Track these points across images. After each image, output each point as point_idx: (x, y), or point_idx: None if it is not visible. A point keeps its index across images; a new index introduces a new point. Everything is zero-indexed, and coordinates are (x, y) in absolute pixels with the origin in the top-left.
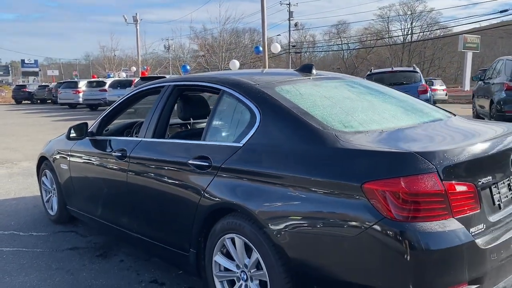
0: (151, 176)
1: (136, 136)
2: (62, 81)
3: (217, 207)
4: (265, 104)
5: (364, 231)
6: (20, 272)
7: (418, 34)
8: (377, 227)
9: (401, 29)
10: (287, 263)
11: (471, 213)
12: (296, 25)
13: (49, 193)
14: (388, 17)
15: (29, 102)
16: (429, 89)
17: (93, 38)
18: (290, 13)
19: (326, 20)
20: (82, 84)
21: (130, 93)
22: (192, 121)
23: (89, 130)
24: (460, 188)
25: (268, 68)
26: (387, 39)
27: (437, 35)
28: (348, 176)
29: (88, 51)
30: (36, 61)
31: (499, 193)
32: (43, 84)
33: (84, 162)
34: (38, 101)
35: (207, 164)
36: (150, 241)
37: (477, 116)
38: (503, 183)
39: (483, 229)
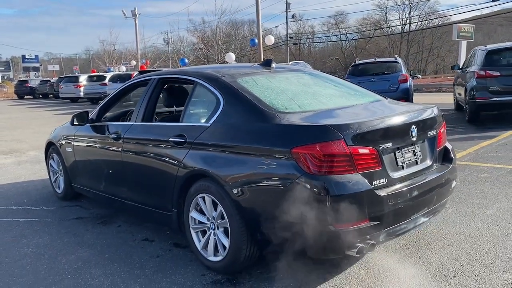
0: (140, 152)
1: (129, 121)
2: (63, 76)
3: (191, 173)
4: (227, 92)
5: (292, 183)
6: (35, 236)
7: (416, 23)
8: (301, 179)
9: (399, 19)
10: (241, 211)
11: (373, 170)
12: (293, 16)
13: (56, 174)
14: (386, 7)
15: (31, 97)
16: (410, 78)
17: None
18: (288, 4)
19: (325, 11)
20: (83, 79)
21: (123, 85)
22: (175, 108)
23: (89, 118)
24: (363, 151)
25: (265, 59)
26: (385, 29)
27: (435, 24)
28: (281, 144)
29: (88, 45)
30: (36, 56)
31: (402, 156)
32: (45, 79)
33: (86, 145)
34: (40, 96)
35: (183, 140)
36: (141, 206)
37: (457, 103)
38: (408, 149)
39: (385, 182)
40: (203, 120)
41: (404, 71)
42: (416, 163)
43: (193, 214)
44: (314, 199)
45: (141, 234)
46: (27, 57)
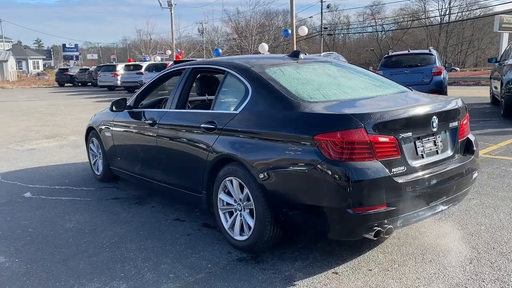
0: (174, 137)
1: (164, 108)
2: (101, 65)
3: (220, 158)
4: (255, 82)
5: (314, 168)
6: (76, 213)
7: (456, 14)
8: (322, 165)
9: (438, 9)
10: (266, 194)
11: (392, 158)
12: (328, 6)
13: (95, 157)
14: None
15: (71, 84)
16: (444, 71)
17: (131, 22)
18: None
19: (361, 1)
20: (120, 68)
21: (159, 74)
22: (206, 96)
23: (127, 104)
24: (383, 139)
25: (294, 50)
26: (423, 19)
27: (476, 15)
28: (305, 131)
29: (126, 35)
30: (76, 45)
31: (423, 146)
32: (84, 67)
33: (123, 130)
34: (79, 84)
35: (213, 126)
36: (174, 188)
37: (493, 96)
38: (428, 139)
39: (404, 170)
40: (232, 108)
41: (438, 63)
42: (437, 152)
43: (221, 196)
44: (334, 184)
45: (173, 214)
46: (67, 46)
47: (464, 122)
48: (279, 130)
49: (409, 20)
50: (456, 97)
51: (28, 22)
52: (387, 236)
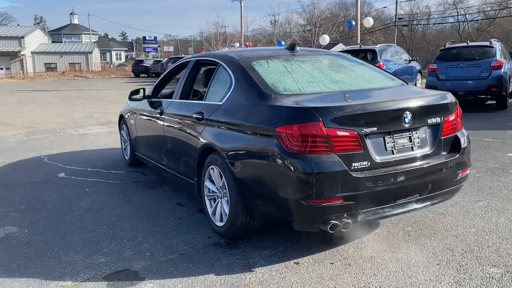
0: (174, 126)
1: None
2: (172, 57)
3: (206, 147)
4: (238, 73)
5: (274, 159)
6: (94, 193)
7: None
8: (281, 157)
9: None
10: (237, 183)
11: (352, 152)
12: None
13: (125, 143)
14: None
15: (146, 75)
16: (506, 65)
17: (209, 15)
18: None
19: None
20: None
21: (172, 66)
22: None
23: (146, 94)
24: (342, 133)
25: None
26: None
27: None
28: (268, 123)
29: (203, 27)
30: (155, 38)
31: (393, 142)
32: (158, 59)
33: (142, 118)
34: (153, 75)
35: (201, 117)
36: (176, 174)
37: None
38: (401, 135)
39: (367, 165)
40: (219, 99)
41: (499, 57)
42: (412, 149)
43: (207, 183)
44: (291, 176)
45: (177, 199)
46: (147, 38)
47: (451, 118)
48: (250, 122)
49: (497, 9)
50: (443, 93)
51: (115, 16)
52: (344, 230)
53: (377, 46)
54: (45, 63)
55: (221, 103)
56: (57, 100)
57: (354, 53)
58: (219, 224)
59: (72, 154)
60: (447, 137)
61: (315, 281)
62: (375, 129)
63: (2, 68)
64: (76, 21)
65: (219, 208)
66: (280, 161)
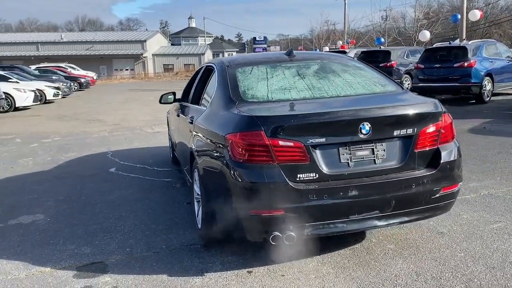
0: (183, 129)
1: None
2: None
3: (191, 151)
4: (219, 80)
5: (222, 166)
6: (125, 188)
7: None
8: (227, 164)
9: None
10: (203, 188)
11: (297, 163)
12: None
13: (170, 141)
14: None
15: None
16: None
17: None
18: None
19: None
20: None
21: (197, 70)
22: None
23: (176, 98)
24: (285, 143)
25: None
26: None
27: None
28: (223, 130)
29: (314, 26)
30: (265, 38)
31: (350, 154)
32: None
33: (172, 118)
34: None
35: (191, 121)
36: (187, 175)
37: None
38: (361, 147)
39: (314, 177)
40: (207, 104)
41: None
42: (374, 162)
43: (195, 186)
44: (234, 184)
45: (190, 198)
46: (257, 38)
47: (429, 130)
48: (212, 128)
49: None
50: (425, 102)
51: (233, 17)
52: (288, 243)
53: (469, 42)
54: (163, 64)
55: (205, 108)
56: (157, 99)
57: (441, 51)
58: (199, 226)
59: (134, 150)
60: (423, 150)
61: None
62: (323, 140)
63: (127, 69)
64: (193, 25)
65: (200, 212)
66: (227, 169)
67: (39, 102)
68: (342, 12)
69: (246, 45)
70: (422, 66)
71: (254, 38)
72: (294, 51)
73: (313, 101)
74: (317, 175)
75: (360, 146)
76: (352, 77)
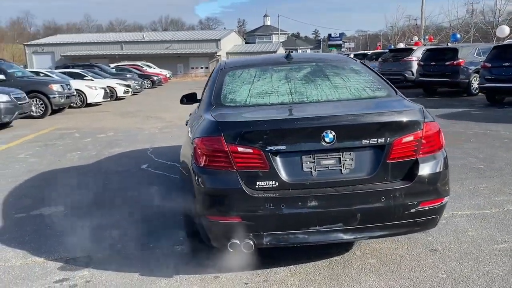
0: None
1: None
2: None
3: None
4: (211, 82)
5: (190, 169)
6: (148, 185)
7: None
8: (192, 168)
9: None
10: (179, 184)
11: (256, 170)
12: None
13: None
14: None
15: None
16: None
17: (406, 7)
18: None
19: None
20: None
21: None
22: None
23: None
24: (244, 150)
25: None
26: None
27: None
28: (193, 134)
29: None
30: (340, 35)
31: (314, 162)
32: None
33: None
34: None
35: (186, 123)
36: None
37: None
38: (326, 156)
39: (274, 185)
40: (198, 107)
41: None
42: (341, 172)
43: None
44: (196, 189)
45: None
46: (332, 35)
47: (404, 140)
48: (190, 132)
49: None
50: (405, 110)
51: (308, 14)
52: (246, 251)
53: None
54: None
55: (196, 111)
56: None
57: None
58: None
59: (173, 148)
60: (398, 161)
61: None
62: (283, 147)
63: (202, 68)
64: (268, 23)
65: None
66: (192, 174)
67: (109, 99)
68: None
69: (321, 42)
70: (489, 65)
71: (329, 34)
72: (292, 54)
73: (288, 106)
74: (276, 183)
75: (326, 155)
76: (343, 81)
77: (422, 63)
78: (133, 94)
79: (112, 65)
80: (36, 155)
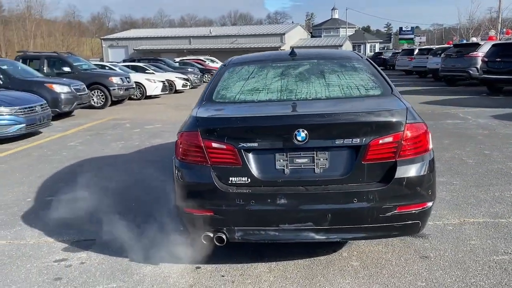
0: None
1: None
2: (404, 48)
3: None
4: (211, 79)
5: (173, 163)
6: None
7: None
8: (174, 161)
9: None
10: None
11: (229, 166)
12: None
13: None
14: None
15: (383, 68)
16: None
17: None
18: None
19: None
20: (416, 52)
21: None
22: None
23: None
24: (218, 146)
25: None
26: None
27: None
28: (179, 129)
29: (469, 14)
30: (412, 28)
31: (287, 161)
32: (396, 51)
33: None
34: (391, 67)
35: None
36: None
37: None
38: (300, 154)
39: (246, 181)
40: None
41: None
42: (313, 171)
43: None
44: (176, 182)
45: None
46: (403, 29)
47: (382, 141)
48: None
49: None
50: (383, 109)
51: (381, 7)
52: (219, 244)
53: None
54: None
55: None
56: None
57: None
58: None
59: None
60: (375, 163)
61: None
62: (255, 144)
63: None
64: (336, 16)
65: None
66: (173, 167)
67: (167, 92)
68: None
69: (392, 36)
70: None
71: (400, 28)
72: (296, 50)
73: (272, 104)
74: (249, 179)
75: (299, 153)
76: (338, 79)
77: (486, 59)
78: (192, 88)
79: (177, 59)
80: (85, 143)
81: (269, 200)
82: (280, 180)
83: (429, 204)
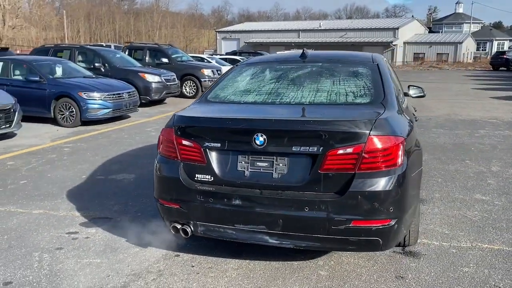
0: None
1: None
2: None
3: None
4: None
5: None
6: None
7: None
8: (157, 157)
9: None
10: None
11: (195, 163)
12: None
13: None
14: None
15: (505, 68)
16: None
17: None
18: None
19: None
20: None
21: None
22: None
23: None
24: (186, 143)
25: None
26: None
27: None
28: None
29: None
30: None
31: (248, 163)
32: None
33: None
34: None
35: None
36: None
37: None
38: (261, 158)
39: (210, 179)
40: None
41: None
42: (272, 176)
43: None
44: (154, 173)
45: None
46: None
47: (340, 152)
48: None
49: None
50: (348, 119)
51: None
52: (185, 236)
53: None
54: (414, 53)
55: None
56: None
57: None
58: None
59: None
60: (332, 173)
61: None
62: (218, 145)
63: None
64: (460, 10)
65: None
66: (155, 159)
67: None
68: None
69: None
70: None
71: None
72: (308, 52)
73: (251, 106)
74: (212, 178)
75: (260, 157)
76: (332, 84)
77: None
78: None
79: (279, 52)
80: (159, 129)
81: (225, 200)
82: (240, 182)
83: (392, 222)
